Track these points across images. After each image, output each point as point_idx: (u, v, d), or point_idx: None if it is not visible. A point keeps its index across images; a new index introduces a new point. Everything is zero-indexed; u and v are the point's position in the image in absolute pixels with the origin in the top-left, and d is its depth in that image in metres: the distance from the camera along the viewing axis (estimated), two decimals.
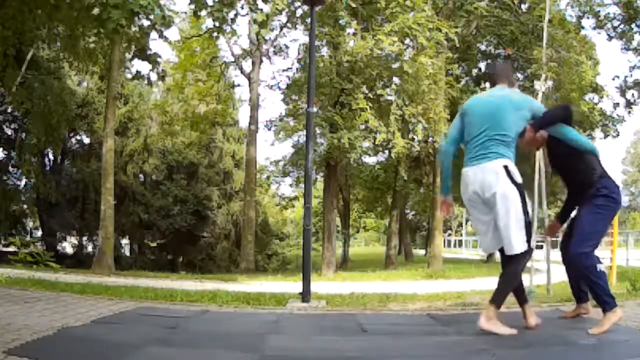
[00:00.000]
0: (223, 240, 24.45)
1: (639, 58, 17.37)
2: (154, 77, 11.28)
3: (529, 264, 5.68)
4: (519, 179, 3.17)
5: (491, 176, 3.14)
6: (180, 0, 27.37)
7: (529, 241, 3.15)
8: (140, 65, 17.45)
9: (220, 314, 4.02)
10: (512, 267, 3.20)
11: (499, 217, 3.12)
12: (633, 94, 18.16)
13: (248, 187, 17.47)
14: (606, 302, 3.16)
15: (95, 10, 8.39)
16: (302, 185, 16.59)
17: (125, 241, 25.21)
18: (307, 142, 5.54)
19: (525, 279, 5.18)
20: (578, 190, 3.45)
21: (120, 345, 2.69)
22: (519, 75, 18.17)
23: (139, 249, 25.31)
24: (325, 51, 14.71)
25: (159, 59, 10.52)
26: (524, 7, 16.60)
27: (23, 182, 21.72)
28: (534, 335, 3.18)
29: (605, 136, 19.82)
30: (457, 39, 13.13)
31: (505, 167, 3.15)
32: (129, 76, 15.54)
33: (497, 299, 3.13)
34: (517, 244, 3.10)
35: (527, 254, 3.19)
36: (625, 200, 48.38)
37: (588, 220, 3.28)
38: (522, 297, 3.35)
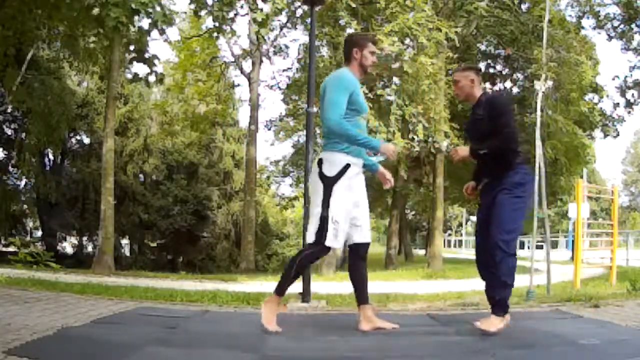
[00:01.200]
0: (223, 240, 24.45)
1: (639, 58, 17.37)
2: (152, 79, 11.29)
3: (528, 264, 5.69)
4: (329, 172, 3.11)
5: (313, 169, 3.25)
6: (180, 0, 27.39)
7: (320, 235, 3.06)
8: (139, 67, 17.49)
9: (220, 314, 4.02)
10: (298, 255, 3.20)
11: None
12: (633, 94, 18.17)
13: (248, 187, 17.47)
14: (503, 307, 3.14)
15: (95, 10, 8.39)
16: (302, 185, 16.59)
17: (125, 241, 25.22)
18: (307, 142, 5.54)
19: (525, 279, 5.19)
20: (493, 167, 3.30)
21: (120, 345, 2.69)
22: (519, 75, 18.21)
23: (139, 249, 25.31)
24: (325, 51, 14.72)
25: (157, 61, 10.52)
26: (524, 7, 16.60)
27: (23, 182, 21.77)
28: (534, 335, 3.18)
29: (605, 136, 19.83)
30: (457, 39, 13.13)
31: (320, 161, 3.18)
32: (129, 77, 15.54)
33: (278, 286, 3.19)
34: (309, 234, 3.12)
35: (316, 246, 3.09)
36: (625, 200, 48.41)
37: (510, 209, 3.17)
38: (361, 296, 3.28)
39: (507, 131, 3.20)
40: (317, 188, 3.15)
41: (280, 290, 3.18)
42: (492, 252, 3.12)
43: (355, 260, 3.31)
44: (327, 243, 3.07)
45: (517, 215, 3.19)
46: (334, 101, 3.11)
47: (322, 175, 3.12)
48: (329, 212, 3.06)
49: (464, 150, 3.37)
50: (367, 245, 3.29)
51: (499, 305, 3.14)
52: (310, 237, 3.10)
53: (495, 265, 3.12)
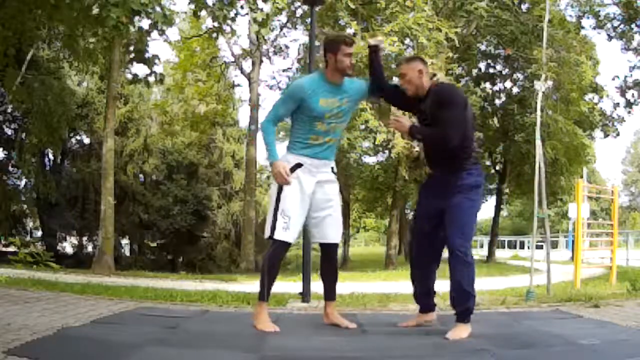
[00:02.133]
0: (223, 240, 24.44)
1: (639, 58, 17.37)
2: (152, 79, 11.28)
3: (528, 264, 5.69)
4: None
5: None
6: (180, 0, 27.37)
7: (272, 230, 3.16)
8: (139, 68, 17.52)
9: (220, 314, 4.02)
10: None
11: None
12: (633, 94, 18.15)
13: (248, 187, 17.48)
14: (469, 314, 3.08)
15: (95, 10, 8.39)
16: None
17: (125, 241, 25.22)
18: None
19: (525, 279, 5.19)
20: (442, 161, 3.19)
21: (120, 345, 2.68)
22: (519, 75, 18.21)
23: (139, 249, 25.31)
24: None
25: (157, 61, 10.51)
26: (524, 7, 16.61)
27: (23, 182, 21.75)
28: (534, 335, 3.18)
29: (605, 136, 19.83)
30: (457, 39, 13.13)
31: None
32: (129, 77, 15.55)
33: (259, 293, 3.28)
34: (265, 232, 3.24)
35: (272, 243, 3.19)
36: (625, 200, 48.39)
37: (467, 213, 3.07)
38: (327, 294, 3.43)
39: (449, 128, 2.99)
40: (272, 187, 3.31)
41: (262, 295, 3.26)
42: (453, 260, 3.02)
43: (322, 259, 3.41)
44: (276, 236, 3.14)
45: (473, 219, 3.15)
46: (273, 106, 3.30)
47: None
48: (279, 205, 3.16)
49: (403, 125, 3.20)
50: (331, 245, 3.35)
51: (465, 314, 3.05)
52: (266, 234, 3.21)
53: (455, 273, 3.03)
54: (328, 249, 3.37)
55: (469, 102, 3.32)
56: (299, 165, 3.19)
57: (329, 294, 3.43)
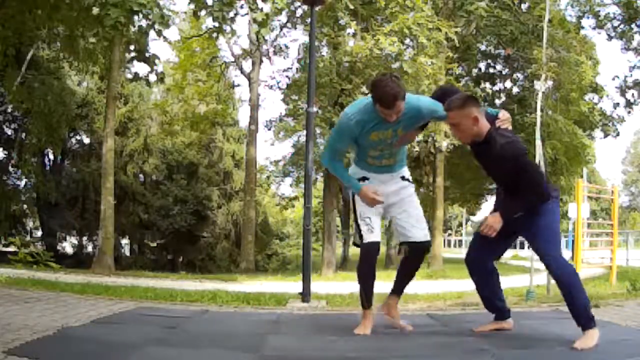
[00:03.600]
0: (223, 240, 24.44)
1: (639, 58, 17.38)
2: (152, 78, 11.29)
3: (528, 264, 5.69)
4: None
5: None
6: (180, 0, 27.39)
7: (359, 236, 3.22)
8: (139, 67, 17.56)
9: (220, 314, 4.02)
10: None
11: None
12: (633, 94, 18.18)
13: (248, 187, 17.47)
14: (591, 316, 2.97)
15: (95, 10, 8.41)
16: (302, 185, 16.60)
17: (125, 241, 25.21)
18: (307, 142, 5.55)
19: (525, 279, 5.19)
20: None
21: (120, 345, 2.69)
22: (519, 75, 18.21)
23: (139, 249, 25.30)
24: (325, 51, 14.73)
25: (157, 61, 10.53)
26: (524, 7, 16.60)
27: (23, 182, 21.72)
28: (534, 335, 3.18)
29: (605, 136, 19.84)
30: (457, 39, 13.13)
31: None
32: (129, 76, 15.57)
33: (361, 300, 3.26)
34: (354, 238, 3.35)
35: (362, 247, 3.21)
36: (625, 200, 48.38)
37: (556, 226, 3.14)
38: (397, 288, 3.38)
39: (534, 183, 2.84)
40: (350, 197, 3.35)
41: (367, 302, 3.22)
42: (549, 266, 2.96)
43: (409, 257, 3.36)
44: (366, 240, 3.16)
45: (558, 228, 3.17)
46: (328, 143, 3.37)
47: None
48: (357, 212, 3.22)
49: (497, 222, 2.88)
50: (413, 244, 3.27)
51: (589, 317, 2.84)
52: (356, 242, 3.29)
53: (554, 275, 2.97)
54: (411, 249, 3.31)
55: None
56: (365, 179, 3.23)
57: (399, 289, 3.38)
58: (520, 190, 2.85)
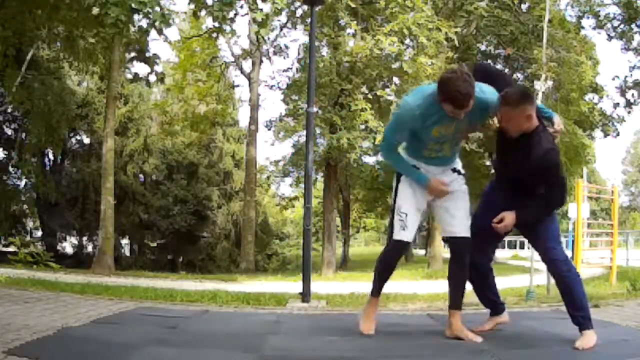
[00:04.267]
0: (223, 240, 24.45)
1: (639, 58, 17.37)
2: (152, 78, 11.30)
3: (528, 264, 5.69)
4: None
5: None
6: (180, 0, 27.40)
7: (390, 230, 3.10)
8: (139, 67, 17.57)
9: (220, 314, 4.02)
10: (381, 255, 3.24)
11: None
12: (633, 94, 18.17)
13: (248, 187, 17.47)
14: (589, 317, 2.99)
15: (95, 10, 8.41)
16: (302, 185, 16.58)
17: (125, 241, 25.22)
18: (307, 142, 5.55)
19: (525, 279, 5.19)
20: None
21: (120, 345, 2.69)
22: (519, 75, 18.20)
23: (139, 249, 25.32)
24: (325, 51, 14.73)
25: (157, 61, 10.53)
26: (524, 7, 16.60)
27: (23, 182, 21.74)
28: (534, 335, 3.18)
29: (605, 136, 19.82)
30: (457, 39, 13.13)
31: None
32: (129, 76, 15.58)
33: (372, 288, 3.19)
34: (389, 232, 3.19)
35: (389, 242, 3.11)
36: (625, 200, 48.37)
37: (556, 220, 3.10)
38: (451, 300, 3.12)
39: (557, 202, 2.87)
40: (393, 186, 3.17)
41: (375, 291, 3.16)
42: (557, 266, 2.91)
43: (451, 257, 3.13)
44: (395, 236, 3.01)
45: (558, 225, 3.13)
46: (385, 131, 3.15)
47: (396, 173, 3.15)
48: (396, 204, 3.05)
49: (512, 221, 2.85)
50: (457, 239, 3.02)
51: (588, 318, 2.91)
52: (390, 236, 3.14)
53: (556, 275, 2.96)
54: (455, 245, 3.06)
55: None
56: (415, 167, 3.03)
57: (453, 300, 3.07)
58: (540, 199, 2.85)
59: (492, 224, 2.89)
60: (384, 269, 3.13)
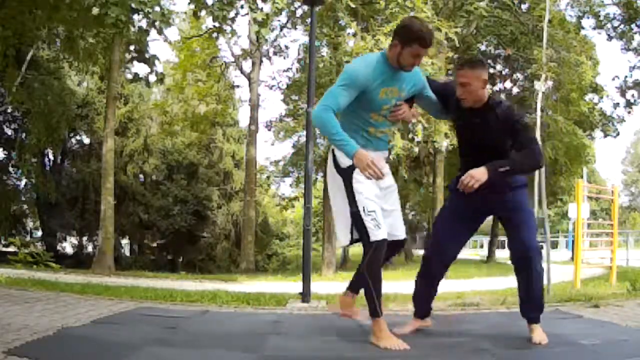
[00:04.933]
0: (223, 240, 24.45)
1: (639, 58, 17.38)
2: (152, 79, 11.29)
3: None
4: (344, 162, 2.79)
5: (328, 162, 2.95)
6: (180, 0, 27.41)
7: (363, 234, 2.74)
8: (139, 67, 17.59)
9: (220, 314, 4.02)
10: (364, 267, 2.84)
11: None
12: (633, 94, 18.21)
13: (248, 187, 17.47)
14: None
15: (95, 10, 8.42)
16: (302, 185, 16.59)
17: (125, 241, 25.22)
18: (307, 142, 5.55)
19: None
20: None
21: (120, 345, 2.69)
22: (519, 75, 18.22)
23: (139, 249, 25.31)
24: (325, 51, 14.73)
25: (157, 61, 10.52)
26: (524, 7, 16.61)
27: (23, 182, 21.75)
28: None
29: (605, 136, 19.85)
30: (457, 39, 13.12)
31: (332, 151, 2.91)
32: (129, 77, 15.59)
33: (369, 309, 2.85)
34: (342, 235, 2.90)
35: (368, 247, 2.74)
36: (625, 200, 48.38)
37: (531, 212, 3.03)
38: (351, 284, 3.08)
39: (536, 145, 2.85)
40: (336, 183, 2.86)
41: (376, 312, 2.82)
42: (534, 263, 2.89)
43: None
44: (374, 238, 2.70)
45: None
46: (328, 92, 2.79)
47: (337, 167, 2.84)
48: (358, 204, 2.75)
49: (482, 173, 2.73)
50: (400, 242, 2.95)
51: (540, 313, 3.00)
52: (345, 238, 2.86)
53: (535, 276, 2.93)
54: (397, 246, 2.97)
55: None
56: None
57: (357, 286, 3.07)
58: (517, 150, 2.81)
59: (459, 184, 2.80)
60: (378, 277, 2.79)
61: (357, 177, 2.75)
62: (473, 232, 3.19)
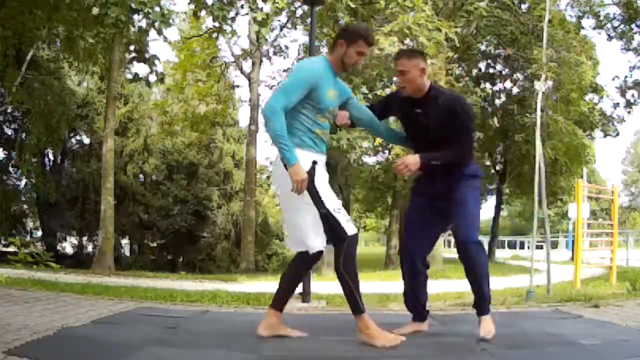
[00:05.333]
0: (223, 240, 24.43)
1: (639, 58, 17.38)
2: (152, 79, 11.29)
3: (528, 264, 5.68)
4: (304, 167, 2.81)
5: (279, 168, 2.91)
6: (180, 0, 27.40)
7: (337, 232, 2.80)
8: (139, 67, 17.62)
9: (220, 314, 4.02)
10: (338, 268, 2.88)
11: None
12: (633, 94, 18.20)
13: (248, 187, 17.46)
14: (489, 303, 3.06)
15: (95, 10, 8.43)
16: None
17: (125, 241, 25.21)
18: None
19: (525, 279, 5.19)
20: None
21: (120, 345, 2.69)
22: (519, 75, 18.21)
23: (139, 249, 25.30)
24: (325, 51, 14.72)
25: (157, 61, 10.53)
26: (524, 7, 16.61)
27: (23, 182, 21.76)
28: (534, 335, 3.18)
29: (605, 136, 19.85)
30: (457, 39, 13.12)
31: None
32: (129, 77, 15.59)
33: (351, 308, 2.94)
34: (314, 239, 2.88)
35: (345, 242, 2.81)
36: (625, 200, 48.37)
37: (473, 203, 2.99)
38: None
39: (468, 144, 2.96)
40: (281, 193, 2.93)
41: (359, 307, 2.88)
42: (469, 251, 2.93)
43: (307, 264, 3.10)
44: (350, 232, 2.78)
45: (479, 209, 3.12)
46: (282, 88, 2.84)
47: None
48: (326, 204, 2.77)
49: (414, 163, 2.87)
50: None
51: (486, 304, 3.04)
52: (321, 243, 2.85)
53: (474, 264, 2.96)
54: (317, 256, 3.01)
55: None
56: (315, 163, 2.82)
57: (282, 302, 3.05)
58: (450, 145, 2.89)
59: (394, 166, 2.95)
60: (355, 277, 2.84)
61: (318, 180, 2.80)
62: (441, 225, 3.21)
